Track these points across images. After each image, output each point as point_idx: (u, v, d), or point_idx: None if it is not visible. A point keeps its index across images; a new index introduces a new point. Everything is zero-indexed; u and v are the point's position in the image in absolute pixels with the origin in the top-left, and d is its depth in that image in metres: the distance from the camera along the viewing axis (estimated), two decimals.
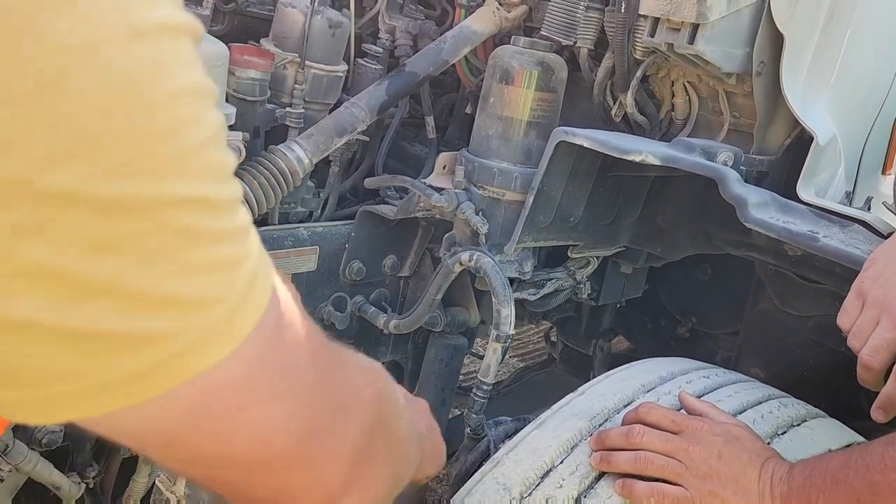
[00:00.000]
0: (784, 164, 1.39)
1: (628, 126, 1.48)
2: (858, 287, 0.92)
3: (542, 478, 0.93)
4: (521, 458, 0.96)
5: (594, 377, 2.29)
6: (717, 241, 1.55)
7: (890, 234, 1.10)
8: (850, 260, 1.06)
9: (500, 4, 1.46)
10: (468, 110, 1.73)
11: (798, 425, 1.06)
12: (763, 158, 1.35)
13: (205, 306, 0.41)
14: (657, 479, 0.86)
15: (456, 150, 1.76)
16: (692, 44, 1.18)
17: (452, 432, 1.60)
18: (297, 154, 1.25)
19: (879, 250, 0.94)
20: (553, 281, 1.61)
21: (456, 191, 1.41)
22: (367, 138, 1.52)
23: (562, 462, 0.94)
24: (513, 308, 1.30)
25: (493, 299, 1.31)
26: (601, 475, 0.92)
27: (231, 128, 1.35)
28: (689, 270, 2.03)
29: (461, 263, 1.37)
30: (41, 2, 0.33)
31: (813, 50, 1.24)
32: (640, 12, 1.23)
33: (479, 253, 1.35)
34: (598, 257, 1.65)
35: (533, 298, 1.56)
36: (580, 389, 1.09)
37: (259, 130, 1.36)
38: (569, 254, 1.59)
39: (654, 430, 0.90)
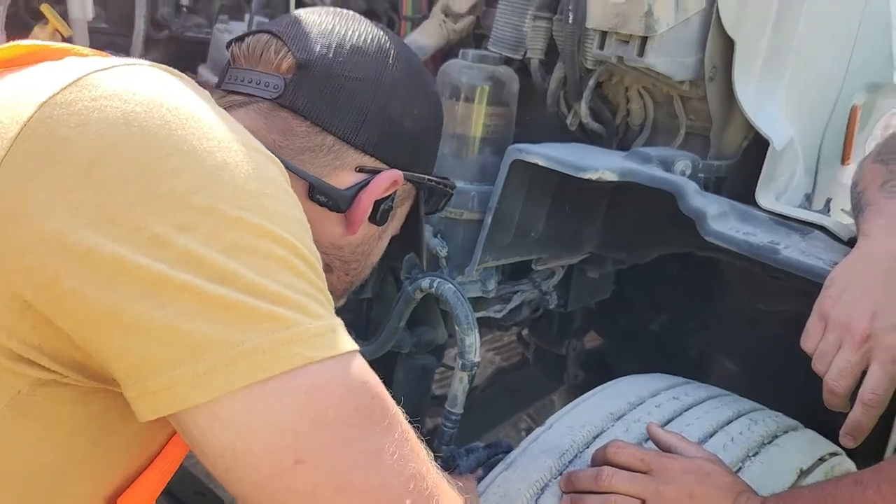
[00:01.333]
0: (743, 167, 1.36)
1: (585, 134, 1.45)
2: (820, 309, 0.90)
3: None
4: (491, 503, 0.94)
5: (567, 377, 2.29)
6: (682, 243, 1.53)
7: (850, 240, 1.08)
8: (811, 272, 1.04)
9: (446, 17, 1.42)
10: None
11: (769, 443, 1.05)
12: (721, 163, 1.32)
13: (307, 313, 0.58)
14: None
15: None
16: (642, 56, 1.14)
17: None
18: None
19: (839, 269, 0.92)
20: (519, 294, 1.59)
21: None
22: None
23: None
24: (477, 336, 1.27)
25: (457, 327, 1.28)
26: None
27: None
28: (658, 266, 2.01)
29: (422, 290, 1.33)
30: None
31: (764, 53, 1.22)
32: (588, 25, 1.19)
33: (439, 279, 1.31)
34: (563, 267, 1.62)
35: (499, 316, 1.53)
36: (548, 422, 1.06)
37: None
38: (533, 266, 1.56)
39: (623, 471, 0.87)
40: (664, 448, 0.92)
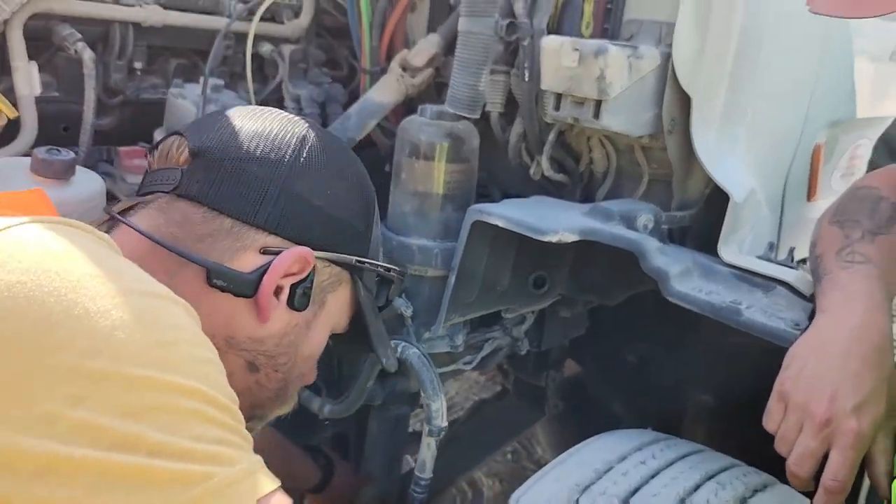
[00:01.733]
0: (707, 213, 1.36)
1: (549, 183, 1.44)
2: (780, 389, 0.89)
3: None
4: None
5: (548, 408, 2.27)
6: (650, 284, 1.52)
7: (812, 295, 1.08)
8: (773, 335, 1.03)
9: (403, 70, 1.40)
10: (387, 169, 1.67)
11: None
12: (684, 214, 1.32)
13: (221, 461, 0.57)
14: None
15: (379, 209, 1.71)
16: (598, 118, 1.13)
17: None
18: None
19: (798, 347, 0.91)
20: (490, 342, 1.57)
21: None
22: None
23: None
24: (443, 401, 1.26)
25: (422, 393, 1.26)
26: None
27: None
28: (633, 298, 2.00)
29: None
30: None
31: (721, 106, 1.21)
32: (542, 87, 1.18)
33: (404, 343, 1.30)
34: (533, 312, 1.61)
35: (469, 368, 1.52)
36: (512, 499, 1.05)
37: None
38: (502, 314, 1.55)
39: None
40: None
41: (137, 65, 1.36)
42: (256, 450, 1.30)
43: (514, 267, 1.40)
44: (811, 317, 0.99)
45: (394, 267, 0.96)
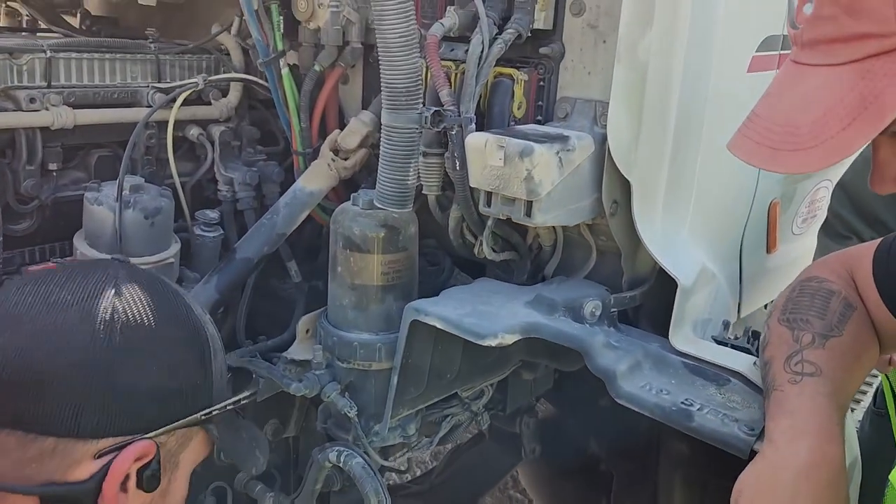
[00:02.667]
0: (660, 289, 1.30)
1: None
2: None
3: None
4: None
5: (525, 453, 2.22)
6: None
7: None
8: (726, 443, 0.98)
9: (335, 154, 1.33)
10: None
11: None
12: (635, 293, 1.26)
13: None
14: None
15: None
16: (530, 216, 1.07)
17: None
18: None
19: (745, 481, 0.86)
20: (448, 419, 1.51)
21: (317, 373, 1.29)
22: None
23: None
24: None
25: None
26: None
27: None
28: None
29: (330, 461, 1.25)
30: None
31: (664, 187, 1.15)
32: (470, 184, 1.12)
33: (347, 452, 1.23)
34: (491, 385, 1.55)
35: (426, 452, 1.46)
36: None
37: None
38: (458, 392, 1.49)
39: None
40: None
41: (52, 166, 1.28)
42: None
43: (464, 351, 1.34)
44: None
45: (242, 395, 0.92)
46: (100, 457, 0.75)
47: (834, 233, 1.97)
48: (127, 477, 0.76)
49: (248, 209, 1.45)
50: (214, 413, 0.84)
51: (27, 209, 1.27)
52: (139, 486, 0.77)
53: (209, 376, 0.84)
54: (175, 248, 1.31)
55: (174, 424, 0.80)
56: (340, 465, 1.23)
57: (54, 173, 1.30)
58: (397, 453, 1.43)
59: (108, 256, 1.23)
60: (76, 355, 0.74)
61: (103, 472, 0.74)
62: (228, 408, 0.87)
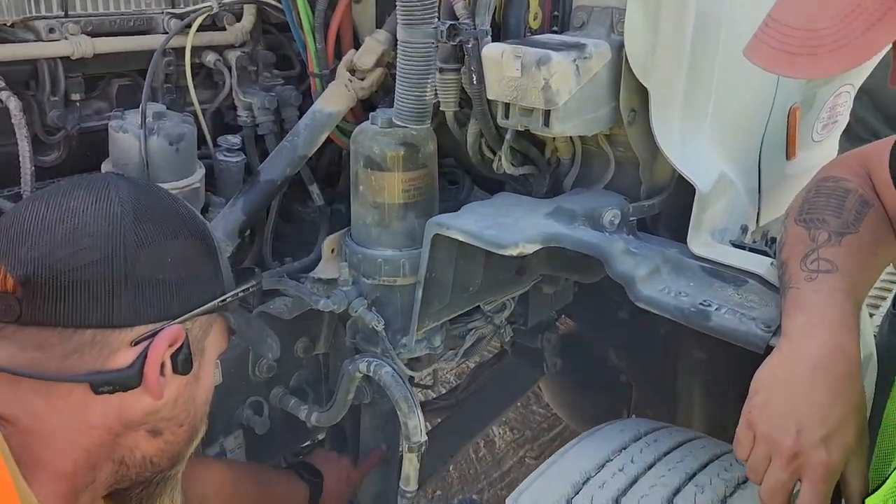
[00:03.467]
0: (679, 197, 1.31)
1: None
2: (747, 418, 0.87)
3: None
4: None
5: (547, 367, 2.28)
6: None
7: None
8: (744, 340, 1.01)
9: (352, 74, 1.34)
10: None
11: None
12: (653, 202, 1.27)
13: None
14: None
15: (349, 201, 1.67)
16: (548, 126, 1.08)
17: None
18: None
19: (763, 375, 0.89)
20: (472, 332, 1.56)
21: (344, 289, 1.33)
22: None
23: None
24: (420, 416, 1.25)
25: (398, 412, 1.26)
26: None
27: None
28: None
29: (361, 371, 1.31)
30: None
31: (682, 94, 1.15)
32: (488, 97, 1.12)
33: (377, 361, 1.28)
34: (513, 298, 1.59)
35: (452, 364, 1.51)
36: None
37: None
38: (481, 305, 1.53)
39: None
40: None
41: (75, 97, 1.30)
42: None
43: (485, 266, 1.37)
44: None
45: (249, 284, 0.96)
46: (136, 344, 0.81)
47: (856, 137, 1.95)
48: (163, 365, 0.83)
49: (268, 133, 1.47)
50: (229, 300, 0.91)
51: (54, 140, 1.30)
52: (175, 370, 0.84)
53: (218, 268, 0.91)
54: (200, 173, 1.34)
55: (196, 311, 0.86)
56: (371, 374, 1.28)
57: (78, 104, 1.32)
58: (424, 365, 1.48)
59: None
60: (97, 254, 0.79)
61: (142, 358, 0.81)
62: (239, 296, 0.94)
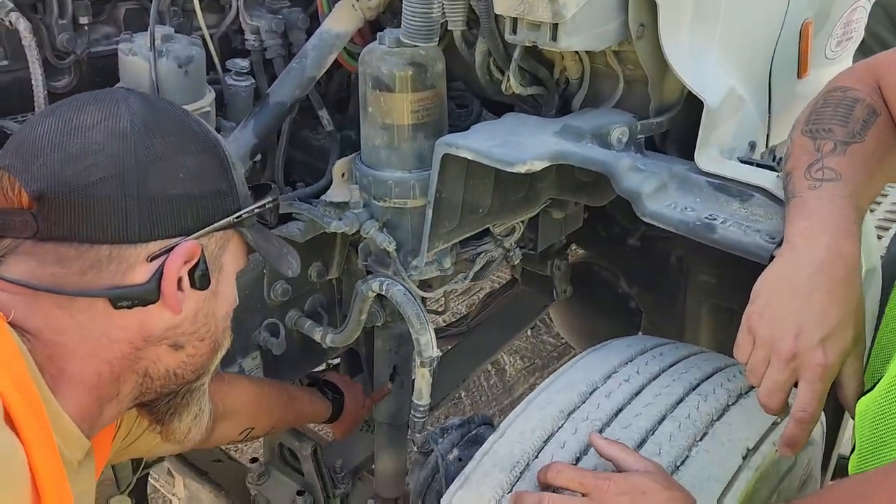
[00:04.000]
0: (688, 114, 1.31)
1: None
2: (747, 322, 0.90)
3: None
4: None
5: (556, 294, 2.31)
6: None
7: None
8: (748, 251, 1.03)
9: None
10: None
11: (719, 419, 1.07)
12: (661, 119, 1.27)
13: None
14: None
15: (358, 127, 1.67)
16: (556, 41, 1.07)
17: None
18: None
19: (763, 280, 0.91)
20: (482, 255, 1.58)
21: (356, 211, 1.35)
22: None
23: None
24: (431, 333, 1.28)
25: (410, 328, 1.29)
26: None
27: None
28: None
29: (373, 290, 1.33)
30: None
31: (692, 7, 1.14)
32: (495, 11, 1.11)
33: (388, 280, 1.31)
34: (523, 221, 1.60)
35: (462, 285, 1.54)
36: (501, 427, 1.09)
37: None
38: (490, 228, 1.55)
39: (563, 496, 0.91)
40: (607, 460, 0.95)
41: (83, 20, 1.30)
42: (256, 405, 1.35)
43: (495, 187, 1.38)
44: None
45: (266, 200, 0.96)
46: (152, 259, 0.83)
47: (871, 53, 1.91)
48: (180, 279, 0.85)
49: (276, 57, 1.47)
50: (244, 216, 0.92)
51: (65, 64, 1.31)
52: (192, 285, 0.86)
53: (232, 183, 0.91)
54: (210, 97, 1.35)
55: (211, 226, 0.87)
56: (383, 292, 1.31)
57: (86, 27, 1.33)
58: (435, 287, 1.51)
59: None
60: (108, 170, 0.81)
61: (159, 273, 0.83)
62: (256, 212, 0.94)
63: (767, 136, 1.48)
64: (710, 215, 1.08)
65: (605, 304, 2.41)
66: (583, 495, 0.91)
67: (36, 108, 1.24)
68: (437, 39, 1.21)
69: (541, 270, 2.30)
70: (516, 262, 1.63)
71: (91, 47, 1.35)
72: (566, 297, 2.37)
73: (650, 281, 2.26)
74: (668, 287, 2.23)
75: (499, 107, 1.57)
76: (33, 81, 1.22)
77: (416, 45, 1.25)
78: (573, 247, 2.41)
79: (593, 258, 2.39)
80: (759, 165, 1.19)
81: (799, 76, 1.49)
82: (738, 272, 1.89)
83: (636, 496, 0.87)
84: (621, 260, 2.30)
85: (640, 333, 2.34)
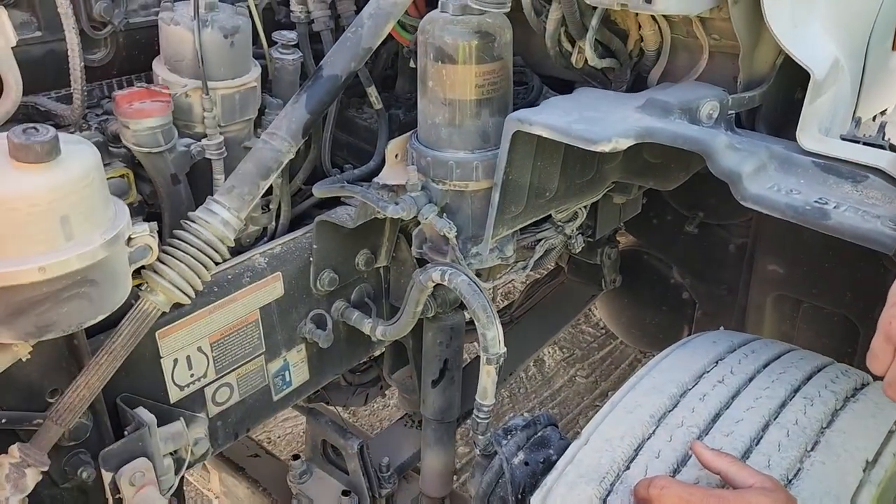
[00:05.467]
0: (779, 87, 1.19)
1: (594, 68, 1.28)
2: (887, 330, 0.78)
3: None
4: None
5: (605, 283, 2.20)
6: None
7: None
8: (868, 239, 0.91)
9: None
10: (412, 64, 1.51)
11: (828, 426, 0.96)
12: (753, 94, 1.15)
13: None
14: None
15: (407, 105, 1.57)
16: (650, 2, 0.96)
17: None
18: (221, 216, 1.09)
19: None
20: (542, 242, 1.48)
21: (413, 194, 1.24)
22: None
23: None
24: (498, 327, 1.18)
25: (476, 323, 1.19)
26: None
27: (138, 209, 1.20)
28: None
29: (434, 280, 1.23)
30: None
31: None
32: None
33: (452, 270, 1.21)
34: (585, 207, 1.50)
35: (523, 275, 1.43)
36: (584, 434, 0.99)
37: (177, 177, 1.19)
38: (552, 213, 1.44)
39: None
40: (714, 474, 0.85)
41: None
42: None
43: (563, 169, 1.28)
44: None
45: None
46: None
47: None
48: None
49: (324, 30, 1.37)
50: None
51: (101, 35, 1.21)
52: None
53: None
54: (256, 71, 1.25)
55: None
56: (445, 283, 1.21)
57: None
58: (496, 276, 1.41)
59: (188, 81, 1.18)
60: None
61: None
62: None
63: (855, 108, 1.36)
64: (820, 199, 0.97)
65: (656, 294, 2.30)
66: None
67: (72, 83, 1.15)
68: (510, 4, 1.10)
69: (589, 259, 2.19)
70: (578, 251, 1.52)
71: (128, 18, 1.26)
72: (615, 286, 2.26)
73: (706, 271, 2.14)
74: (725, 277, 2.11)
75: (559, 84, 1.46)
76: (69, 53, 1.12)
77: (483, 12, 1.14)
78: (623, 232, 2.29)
79: (644, 247, 2.27)
80: (866, 143, 1.07)
81: (893, 48, 1.37)
82: (808, 262, 1.79)
83: None
84: (675, 249, 2.18)
85: (693, 328, 2.23)
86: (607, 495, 0.90)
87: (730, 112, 1.13)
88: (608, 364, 3.11)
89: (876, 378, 0.92)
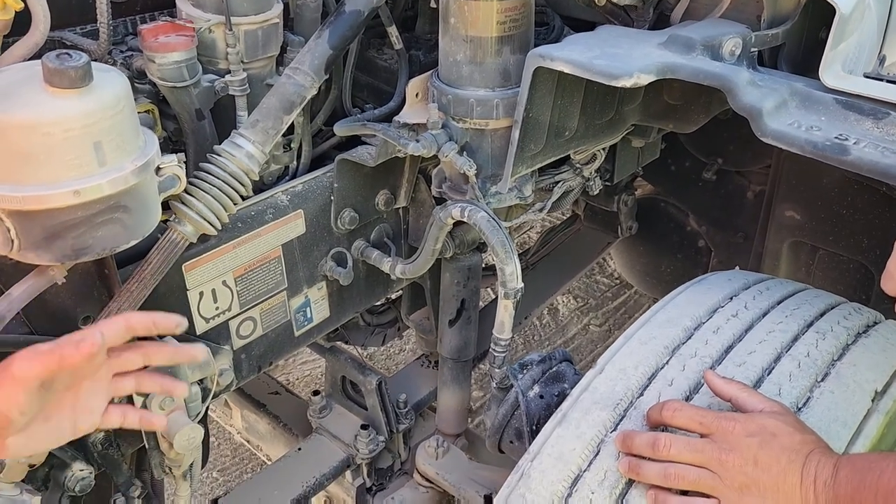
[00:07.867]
0: (803, 26, 1.18)
1: (616, 5, 1.27)
2: None
3: (571, 488, 0.89)
4: (547, 467, 0.92)
5: (621, 230, 2.21)
6: None
7: None
8: (888, 175, 0.92)
9: None
10: (433, 4, 1.50)
11: (839, 359, 0.98)
12: (777, 32, 1.14)
13: None
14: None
15: (427, 46, 1.57)
16: None
17: None
18: (246, 149, 1.10)
19: None
20: (560, 184, 1.49)
21: (434, 132, 1.25)
22: None
23: (588, 467, 0.90)
24: (517, 262, 1.20)
25: (494, 257, 1.21)
26: (631, 481, 0.87)
27: (167, 141, 1.21)
28: None
29: (453, 217, 1.25)
30: None
31: None
32: None
33: (471, 206, 1.22)
34: (604, 149, 1.50)
35: (541, 216, 1.45)
36: (599, 363, 1.01)
37: (202, 112, 1.21)
38: (571, 155, 1.45)
39: (681, 437, 0.83)
40: (725, 400, 0.87)
41: None
42: None
43: (583, 108, 1.28)
44: None
45: None
46: None
47: None
48: None
49: None
50: None
51: None
52: None
53: None
54: (278, 7, 1.25)
55: None
56: (465, 219, 1.23)
57: None
58: (514, 217, 1.42)
59: (211, 16, 1.18)
60: None
61: None
62: None
63: (880, 49, 1.35)
64: (841, 135, 0.97)
65: (672, 242, 2.31)
66: (701, 436, 0.83)
67: (98, 17, 1.16)
68: None
69: (606, 206, 2.20)
70: (596, 193, 1.53)
71: None
72: (631, 234, 2.28)
73: (723, 218, 2.14)
74: (742, 225, 2.12)
75: (580, 25, 1.45)
76: None
77: None
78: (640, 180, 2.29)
79: (661, 194, 2.28)
80: (889, 81, 1.07)
81: None
82: (826, 209, 1.79)
83: (765, 438, 0.79)
84: (691, 196, 2.18)
85: (709, 272, 2.24)
86: (620, 420, 0.93)
87: (752, 50, 1.12)
88: (622, 313, 3.14)
89: (888, 299, 0.92)
